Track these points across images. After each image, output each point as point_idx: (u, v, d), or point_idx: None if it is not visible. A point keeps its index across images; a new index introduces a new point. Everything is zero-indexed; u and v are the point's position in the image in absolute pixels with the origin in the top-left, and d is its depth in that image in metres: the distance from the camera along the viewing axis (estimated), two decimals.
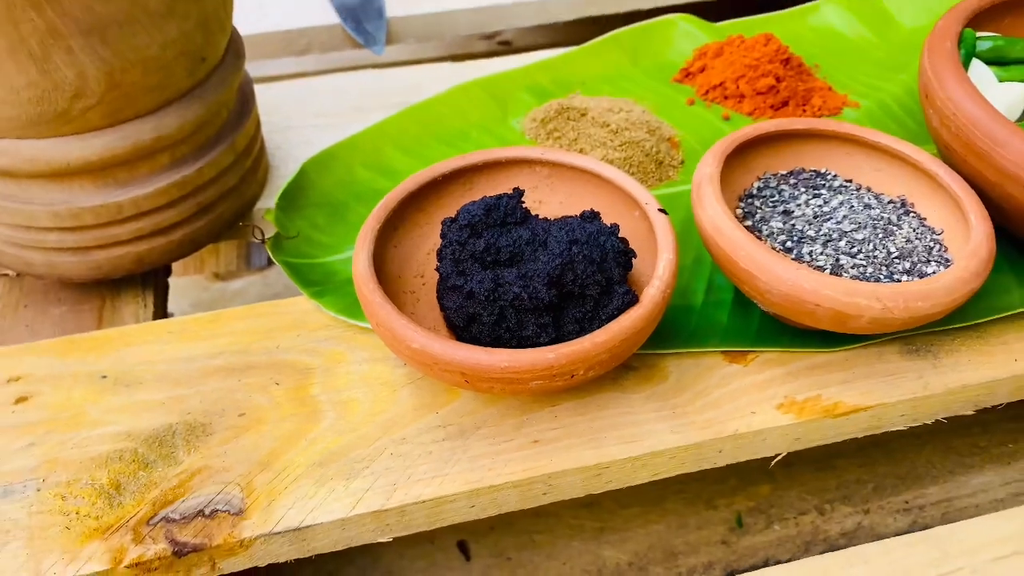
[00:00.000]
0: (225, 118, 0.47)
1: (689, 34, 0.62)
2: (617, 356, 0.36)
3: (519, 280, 0.36)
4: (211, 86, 0.44)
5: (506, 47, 0.94)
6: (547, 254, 0.36)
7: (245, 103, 0.49)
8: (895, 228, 0.43)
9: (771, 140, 0.47)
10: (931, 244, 0.43)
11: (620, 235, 0.40)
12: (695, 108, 0.58)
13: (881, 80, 0.60)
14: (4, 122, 0.39)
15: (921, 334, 0.44)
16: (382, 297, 0.37)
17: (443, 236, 0.39)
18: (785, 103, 0.57)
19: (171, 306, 0.73)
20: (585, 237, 0.37)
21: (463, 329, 0.38)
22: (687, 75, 0.60)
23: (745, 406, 0.41)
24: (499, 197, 0.39)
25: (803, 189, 0.46)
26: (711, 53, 0.60)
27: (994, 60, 0.49)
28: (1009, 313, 0.44)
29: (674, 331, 0.44)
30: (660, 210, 0.41)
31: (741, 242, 0.39)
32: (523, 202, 0.40)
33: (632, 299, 0.37)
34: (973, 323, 0.44)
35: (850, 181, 0.47)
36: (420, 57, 0.89)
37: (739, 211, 0.45)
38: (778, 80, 0.57)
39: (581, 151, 0.54)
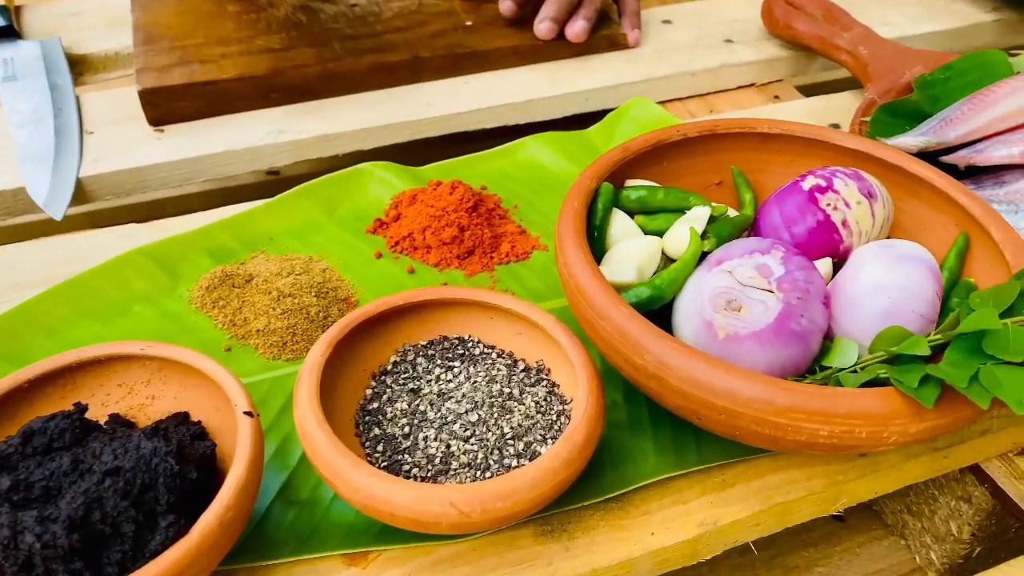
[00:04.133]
0: None
1: (386, 182, 0.61)
2: None
3: (38, 525, 0.32)
4: None
5: (275, 176, 0.91)
6: (75, 491, 0.33)
7: None
8: (515, 404, 0.41)
9: (412, 310, 0.45)
10: (554, 417, 0.41)
11: (208, 441, 0.37)
12: (383, 262, 0.56)
13: None
14: None
15: (558, 512, 0.41)
16: None
17: None
18: (471, 252, 0.56)
19: None
20: (132, 463, 0.34)
21: None
22: (381, 225, 0.58)
23: None
24: (50, 418, 0.36)
25: (439, 361, 0.44)
26: (406, 201, 0.59)
27: (640, 210, 0.49)
28: (648, 482, 0.42)
29: (293, 534, 0.40)
30: (246, 412, 0.38)
31: (321, 446, 0.36)
32: (81, 419, 0.36)
33: (180, 531, 0.33)
34: (616, 494, 0.42)
35: (492, 347, 0.45)
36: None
37: (370, 391, 0.43)
38: (462, 230, 0.56)
39: (245, 321, 0.51)
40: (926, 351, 0.37)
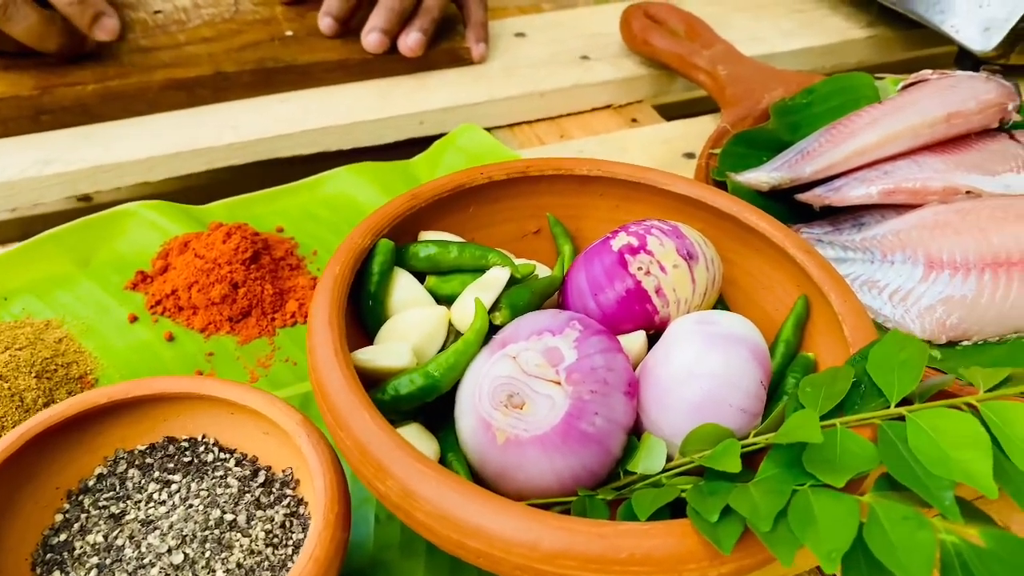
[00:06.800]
0: None
1: (156, 225, 0.51)
2: None
3: None
4: None
5: (86, 202, 0.80)
6: None
7: None
8: (237, 536, 0.32)
9: (128, 407, 0.36)
10: (290, 551, 0.32)
11: None
12: (137, 326, 0.46)
13: None
14: None
15: None
16: None
17: None
18: (246, 313, 0.47)
19: None
20: None
21: None
22: (144, 280, 0.49)
23: None
24: None
25: (157, 474, 0.35)
26: (176, 250, 0.49)
27: (431, 270, 0.41)
28: None
29: None
30: None
31: None
32: None
33: None
34: None
35: (231, 451, 0.36)
36: None
37: (60, 517, 0.33)
38: (235, 286, 0.46)
39: None
40: (735, 467, 0.29)
